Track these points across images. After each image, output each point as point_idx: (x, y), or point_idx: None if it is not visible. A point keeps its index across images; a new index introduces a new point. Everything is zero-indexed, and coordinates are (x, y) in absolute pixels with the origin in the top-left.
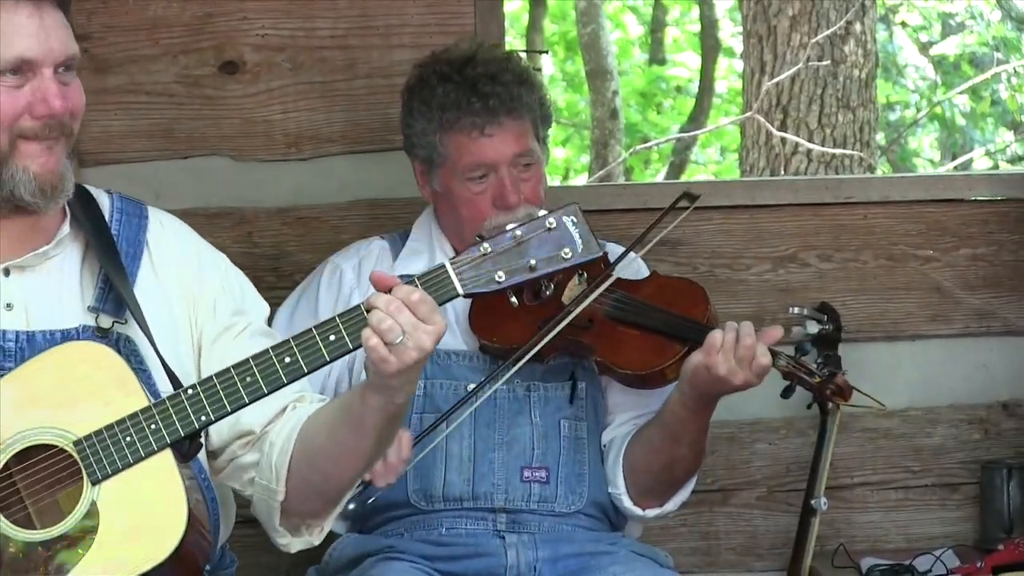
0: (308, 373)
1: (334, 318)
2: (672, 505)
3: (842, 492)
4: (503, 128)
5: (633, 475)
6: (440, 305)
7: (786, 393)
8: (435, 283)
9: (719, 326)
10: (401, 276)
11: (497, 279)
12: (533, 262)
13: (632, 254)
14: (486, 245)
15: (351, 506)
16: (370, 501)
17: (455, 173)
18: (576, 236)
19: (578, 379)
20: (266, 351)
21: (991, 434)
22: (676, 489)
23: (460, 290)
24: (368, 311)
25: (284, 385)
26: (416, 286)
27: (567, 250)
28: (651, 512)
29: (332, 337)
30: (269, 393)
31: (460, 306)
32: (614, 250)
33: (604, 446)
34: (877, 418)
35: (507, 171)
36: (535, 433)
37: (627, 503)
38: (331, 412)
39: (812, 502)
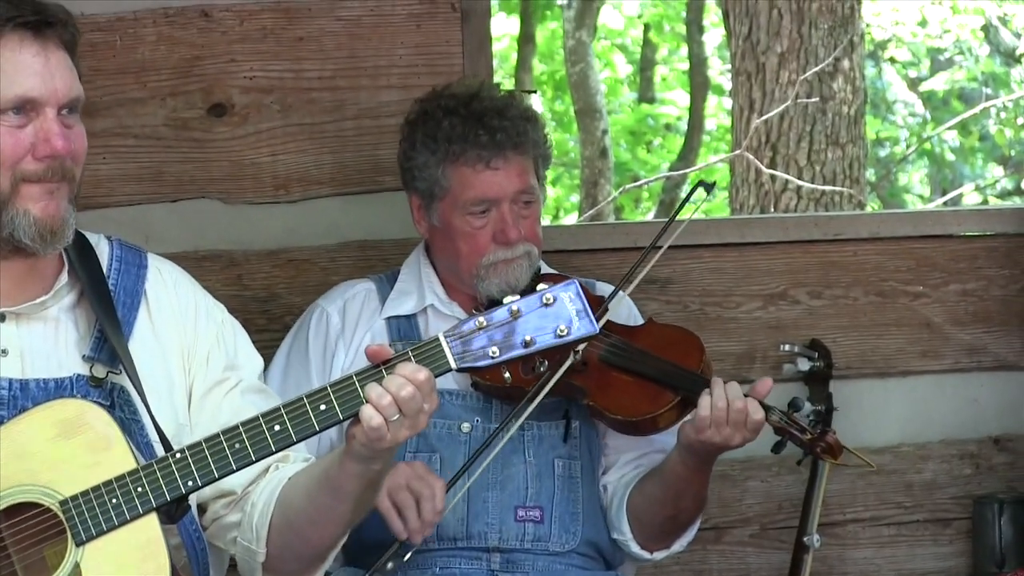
0: (297, 442)
1: (326, 387)
2: (679, 546)
3: (834, 529)
4: (508, 162)
5: (638, 524)
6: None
7: (777, 448)
8: (428, 356)
9: (707, 387)
10: (394, 344)
11: (491, 354)
12: (528, 337)
13: (625, 294)
14: (481, 319)
15: (389, 565)
16: (407, 557)
17: (456, 206)
18: (573, 313)
19: (572, 417)
20: (256, 418)
21: (982, 469)
22: (681, 533)
23: (453, 364)
24: (368, 385)
25: (272, 453)
26: (408, 357)
27: (563, 327)
28: (659, 555)
29: (323, 407)
30: (257, 460)
31: None
32: (607, 291)
33: (605, 488)
34: (869, 454)
35: (508, 207)
36: (529, 472)
37: (635, 548)
38: (311, 476)
39: (805, 539)
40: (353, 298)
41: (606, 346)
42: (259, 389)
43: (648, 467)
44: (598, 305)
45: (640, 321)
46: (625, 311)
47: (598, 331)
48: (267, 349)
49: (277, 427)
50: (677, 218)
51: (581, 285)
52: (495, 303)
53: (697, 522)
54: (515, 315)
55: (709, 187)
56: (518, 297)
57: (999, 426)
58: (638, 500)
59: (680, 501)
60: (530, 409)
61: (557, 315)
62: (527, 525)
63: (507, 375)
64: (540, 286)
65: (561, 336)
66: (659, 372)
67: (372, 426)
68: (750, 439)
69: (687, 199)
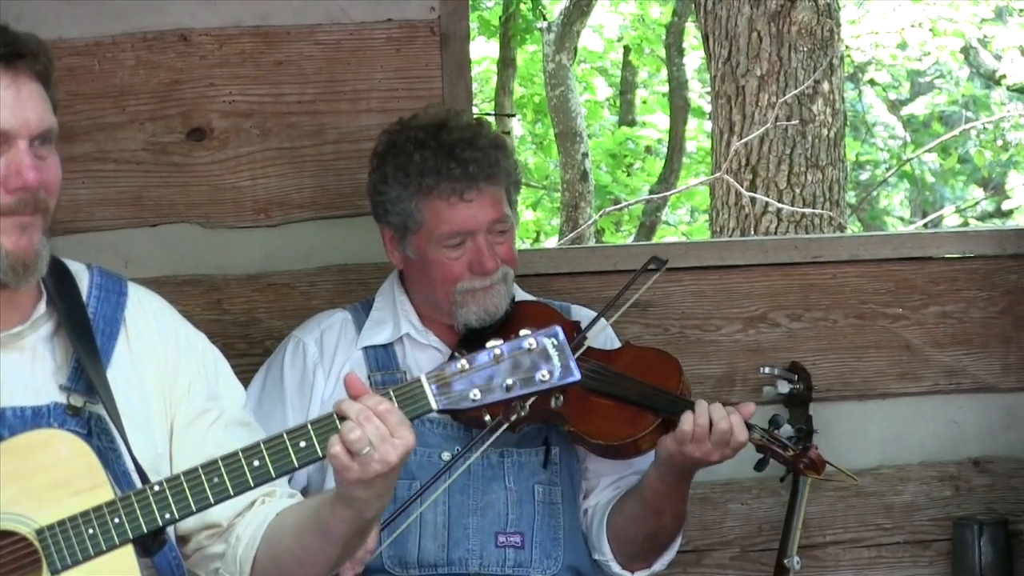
0: (276, 478)
1: (306, 424)
2: (660, 565)
3: (814, 551)
4: (481, 194)
5: (619, 544)
6: (413, 420)
7: (759, 466)
8: (410, 396)
9: (691, 405)
10: (376, 387)
11: (472, 397)
12: (510, 382)
13: (603, 320)
14: (464, 362)
15: None
16: None
17: (431, 240)
18: (555, 359)
19: (552, 444)
20: (235, 453)
21: (962, 491)
22: (662, 551)
23: (435, 405)
24: (340, 419)
25: (251, 488)
26: (390, 398)
27: (544, 372)
28: (641, 574)
29: (303, 444)
30: (236, 495)
31: None
32: (586, 315)
33: (586, 511)
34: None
35: (484, 237)
36: (509, 498)
37: (616, 569)
38: (300, 515)
39: (785, 561)
40: (330, 328)
41: (585, 371)
42: (243, 422)
43: (626, 488)
44: (571, 332)
45: (617, 344)
46: (602, 336)
47: (580, 379)
48: (247, 374)
49: (256, 462)
50: (629, 290)
51: (563, 321)
52: (476, 339)
53: (678, 540)
54: (498, 359)
55: (662, 262)
56: (501, 341)
57: (979, 448)
58: (618, 520)
59: (660, 518)
60: (502, 429)
61: (539, 361)
62: (508, 551)
63: (488, 417)
64: (523, 331)
65: (543, 381)
66: (638, 395)
67: (332, 452)
68: (729, 456)
69: (639, 273)
